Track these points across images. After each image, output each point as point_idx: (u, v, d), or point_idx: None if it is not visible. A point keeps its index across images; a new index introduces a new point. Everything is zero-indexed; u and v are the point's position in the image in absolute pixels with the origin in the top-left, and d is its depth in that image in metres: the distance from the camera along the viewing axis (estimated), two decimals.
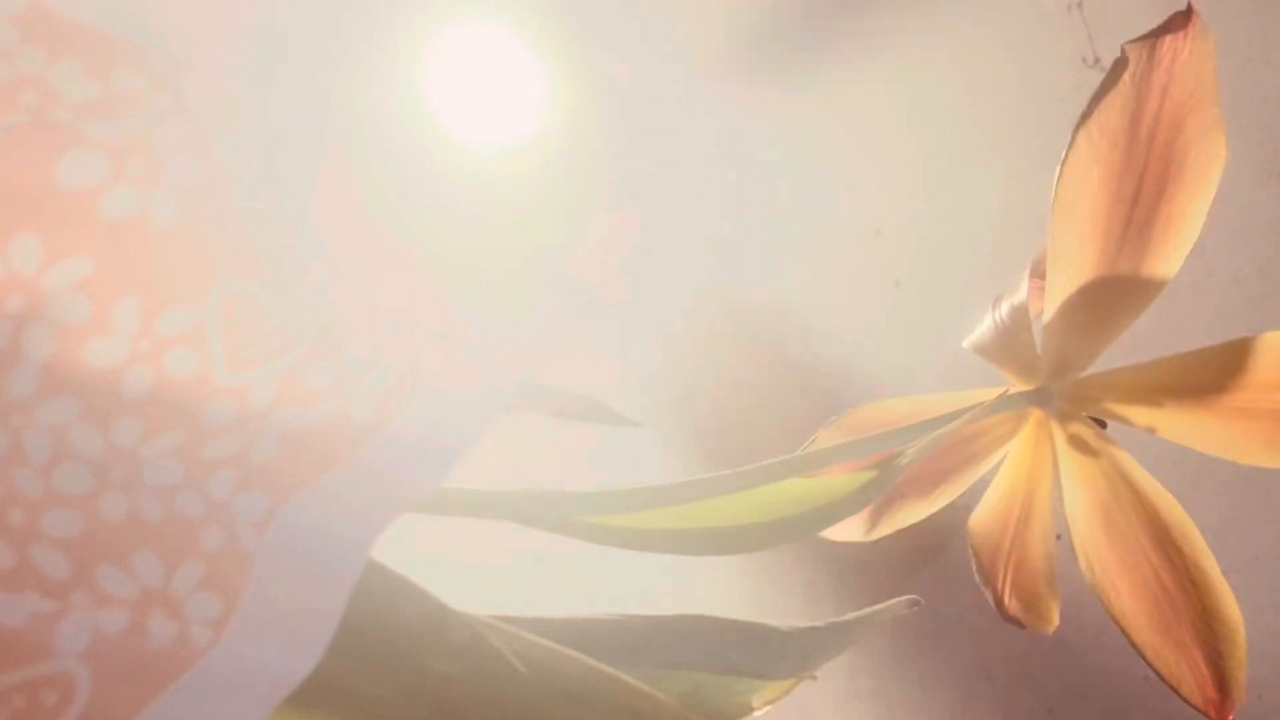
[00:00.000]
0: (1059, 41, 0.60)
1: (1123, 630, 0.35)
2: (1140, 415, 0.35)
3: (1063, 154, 0.33)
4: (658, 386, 0.66)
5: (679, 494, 0.31)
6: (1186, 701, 0.35)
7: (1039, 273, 0.36)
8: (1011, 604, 0.38)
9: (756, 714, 0.32)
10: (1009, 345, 0.36)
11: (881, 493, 0.34)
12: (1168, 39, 0.31)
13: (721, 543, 0.33)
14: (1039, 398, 0.36)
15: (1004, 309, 0.37)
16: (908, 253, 0.64)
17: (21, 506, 0.21)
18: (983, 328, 0.38)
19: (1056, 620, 0.38)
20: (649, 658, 0.32)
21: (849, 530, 0.39)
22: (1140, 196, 0.33)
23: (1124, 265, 0.33)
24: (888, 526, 0.39)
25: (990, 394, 0.36)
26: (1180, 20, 0.31)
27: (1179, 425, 0.34)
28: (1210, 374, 0.33)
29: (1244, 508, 0.56)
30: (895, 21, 0.64)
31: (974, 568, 0.39)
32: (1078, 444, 0.36)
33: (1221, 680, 0.34)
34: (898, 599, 0.37)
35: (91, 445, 0.22)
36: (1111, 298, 0.34)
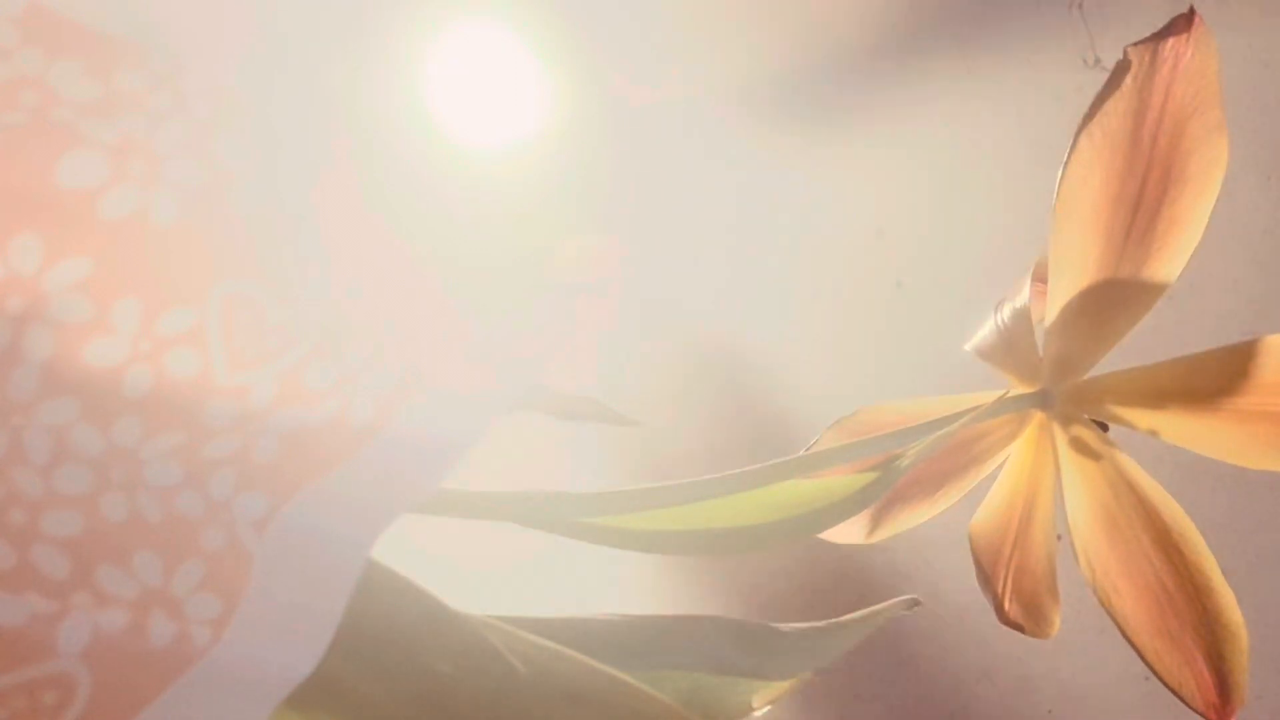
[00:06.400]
0: (1059, 42, 0.60)
1: (1124, 633, 0.35)
2: (1142, 418, 0.35)
3: (1064, 156, 0.33)
4: (656, 386, 0.66)
5: (679, 494, 0.31)
6: (1187, 705, 0.34)
7: (1041, 276, 0.36)
8: (1012, 608, 0.38)
9: (756, 714, 0.32)
10: (1011, 348, 0.36)
11: (882, 494, 0.34)
12: (1170, 42, 0.31)
13: (722, 543, 0.33)
14: (1041, 400, 0.36)
15: (1006, 312, 0.37)
16: (909, 253, 0.64)
17: (22, 506, 0.21)
18: (985, 331, 0.38)
19: (1057, 626, 0.38)
20: (649, 658, 0.32)
21: (850, 532, 0.39)
22: (1142, 199, 0.33)
23: (1126, 268, 0.33)
24: (889, 528, 0.39)
25: (992, 396, 0.36)
26: (1183, 23, 0.31)
27: (1181, 428, 0.34)
28: (1212, 377, 0.33)
29: (1244, 508, 0.56)
30: (894, 21, 0.64)
31: (975, 571, 0.39)
32: (1079, 447, 0.36)
33: (1223, 683, 0.34)
34: (898, 599, 0.36)
35: (92, 445, 0.22)
36: (1113, 301, 0.34)
